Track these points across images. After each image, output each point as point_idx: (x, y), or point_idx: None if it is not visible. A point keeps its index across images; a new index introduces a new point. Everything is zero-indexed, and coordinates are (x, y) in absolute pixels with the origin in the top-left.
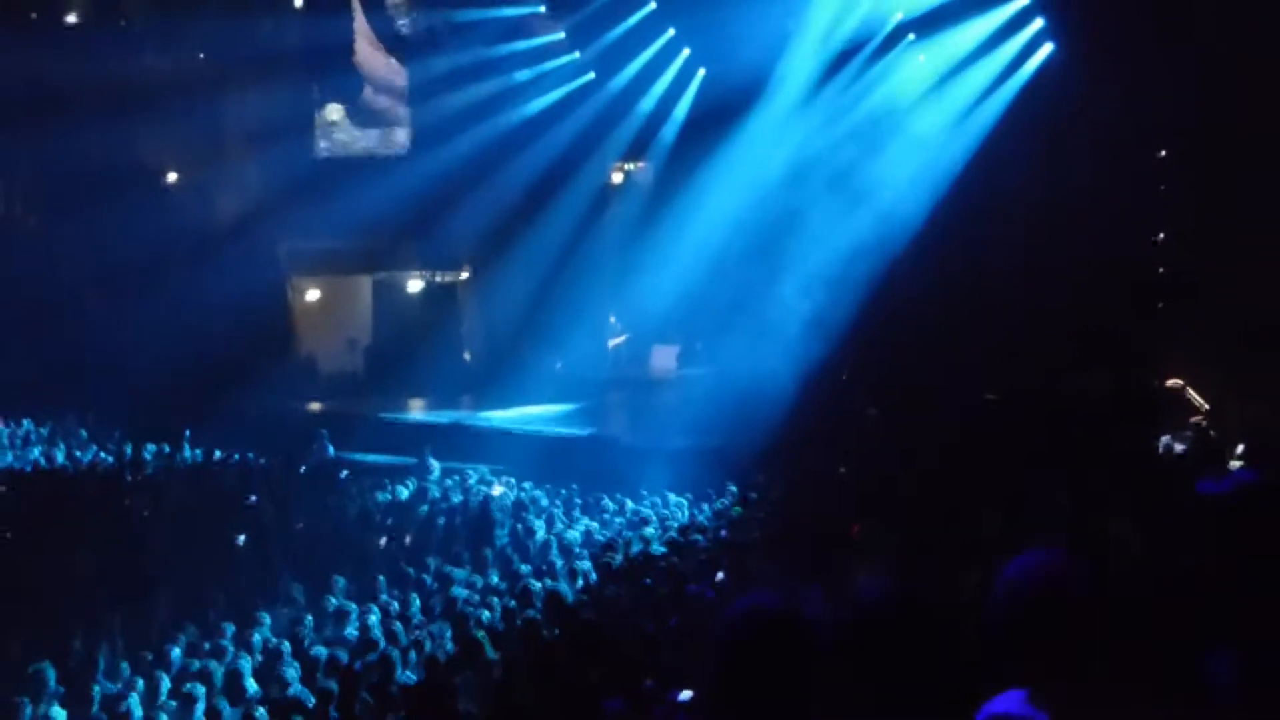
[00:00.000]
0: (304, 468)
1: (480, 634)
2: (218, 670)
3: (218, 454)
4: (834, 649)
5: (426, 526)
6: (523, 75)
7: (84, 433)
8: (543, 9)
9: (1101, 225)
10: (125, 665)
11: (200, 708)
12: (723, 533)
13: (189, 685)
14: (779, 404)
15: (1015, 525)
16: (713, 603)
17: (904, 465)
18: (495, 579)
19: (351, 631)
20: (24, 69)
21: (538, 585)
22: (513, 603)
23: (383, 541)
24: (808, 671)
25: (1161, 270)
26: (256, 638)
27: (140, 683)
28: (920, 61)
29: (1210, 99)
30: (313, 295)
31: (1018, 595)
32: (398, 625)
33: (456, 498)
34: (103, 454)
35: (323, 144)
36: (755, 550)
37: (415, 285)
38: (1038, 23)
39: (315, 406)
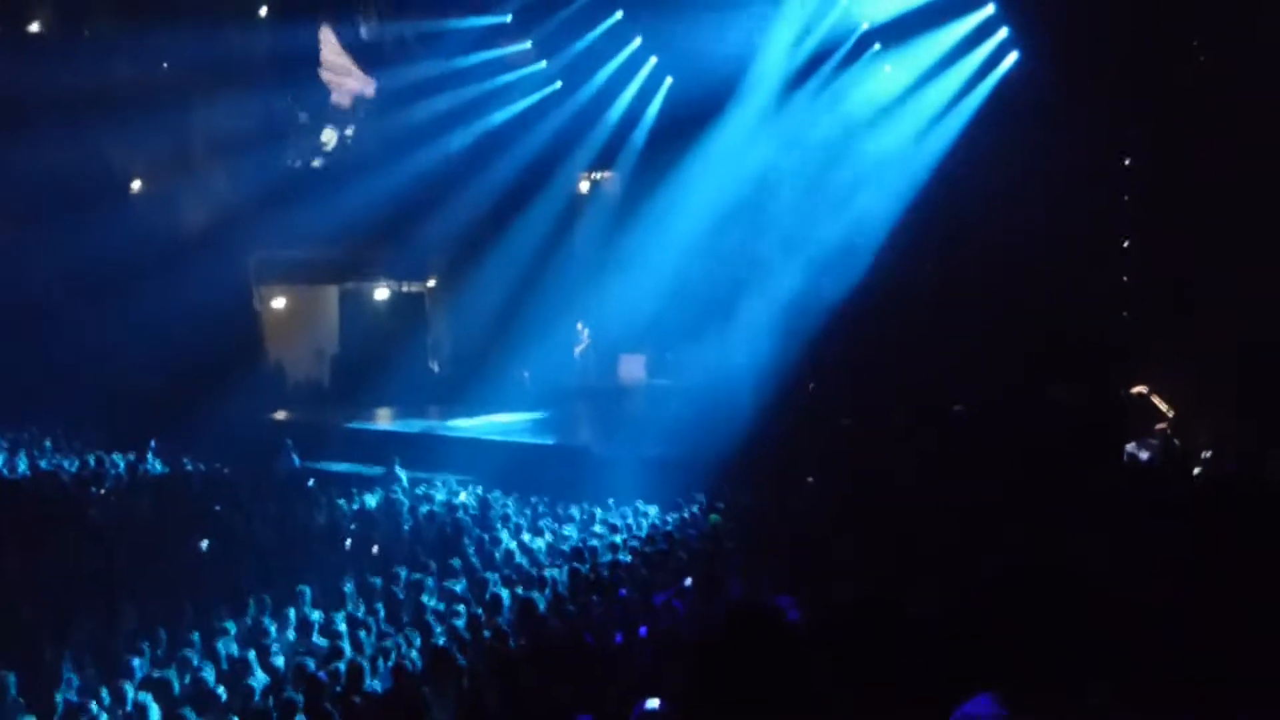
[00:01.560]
0: (270, 477)
1: (447, 643)
2: (183, 679)
3: (187, 463)
4: (812, 652)
5: (394, 535)
6: (489, 85)
7: (49, 443)
8: (509, 19)
9: (1067, 233)
10: (90, 674)
11: (166, 717)
12: (692, 541)
13: (154, 694)
14: (748, 413)
15: (985, 533)
16: (680, 611)
17: (875, 475)
18: (463, 588)
19: (318, 640)
20: None
21: (506, 594)
22: (480, 611)
23: (349, 549)
24: (788, 673)
25: (1126, 278)
26: (222, 647)
27: (104, 693)
28: (887, 71)
29: (1175, 105)
30: (280, 304)
31: (991, 601)
32: (363, 634)
33: (424, 507)
34: (67, 463)
35: (290, 153)
36: (725, 559)
37: (382, 294)
38: (1002, 32)
39: (282, 415)
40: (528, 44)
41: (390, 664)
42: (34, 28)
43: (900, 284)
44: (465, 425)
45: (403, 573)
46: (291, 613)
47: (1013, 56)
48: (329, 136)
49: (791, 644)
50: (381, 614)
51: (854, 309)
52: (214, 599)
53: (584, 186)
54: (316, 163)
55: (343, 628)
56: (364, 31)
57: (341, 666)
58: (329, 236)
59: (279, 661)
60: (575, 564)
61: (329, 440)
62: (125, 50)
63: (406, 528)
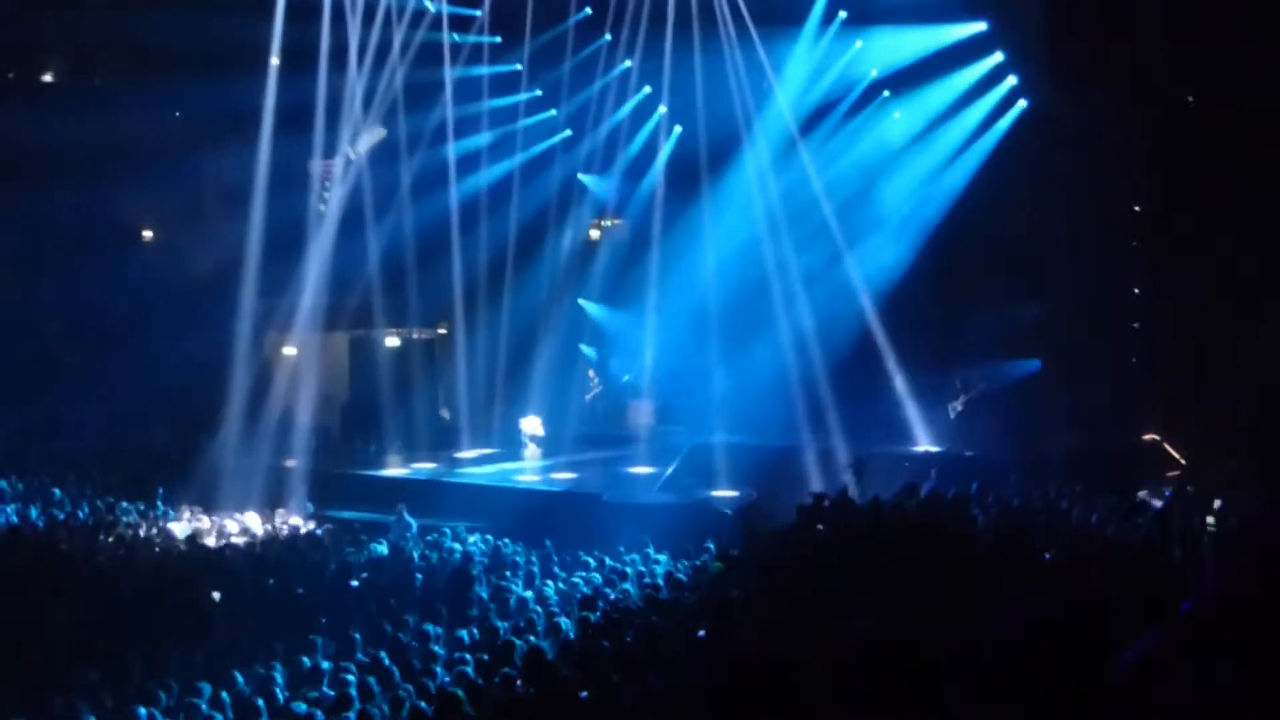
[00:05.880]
0: (281, 524)
1: (457, 691)
2: None
3: (196, 510)
4: (821, 700)
5: (404, 583)
6: (499, 132)
7: (57, 492)
8: (520, 68)
9: (1077, 279)
10: None
11: None
12: (702, 590)
13: None
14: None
15: (993, 575)
16: (691, 659)
17: (883, 520)
18: (473, 635)
19: (328, 689)
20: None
21: (518, 642)
22: (490, 658)
23: (359, 596)
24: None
25: (1137, 325)
26: (231, 696)
27: None
28: (896, 118)
29: (1183, 151)
30: (289, 352)
31: (1008, 644)
32: (374, 682)
33: (434, 554)
34: (78, 512)
35: (300, 201)
36: (735, 606)
37: (392, 342)
38: (1010, 80)
39: (291, 463)
40: (538, 92)
41: (402, 713)
42: (45, 78)
43: (907, 330)
44: (475, 472)
45: (412, 620)
46: (303, 660)
47: (1021, 104)
48: (339, 182)
49: (799, 693)
50: (391, 662)
51: (861, 354)
52: (223, 647)
53: (594, 233)
54: (326, 210)
55: (352, 676)
56: (375, 79)
57: (351, 716)
58: (339, 284)
59: (289, 710)
60: (585, 612)
61: (339, 487)
62: (136, 99)
63: (416, 575)
